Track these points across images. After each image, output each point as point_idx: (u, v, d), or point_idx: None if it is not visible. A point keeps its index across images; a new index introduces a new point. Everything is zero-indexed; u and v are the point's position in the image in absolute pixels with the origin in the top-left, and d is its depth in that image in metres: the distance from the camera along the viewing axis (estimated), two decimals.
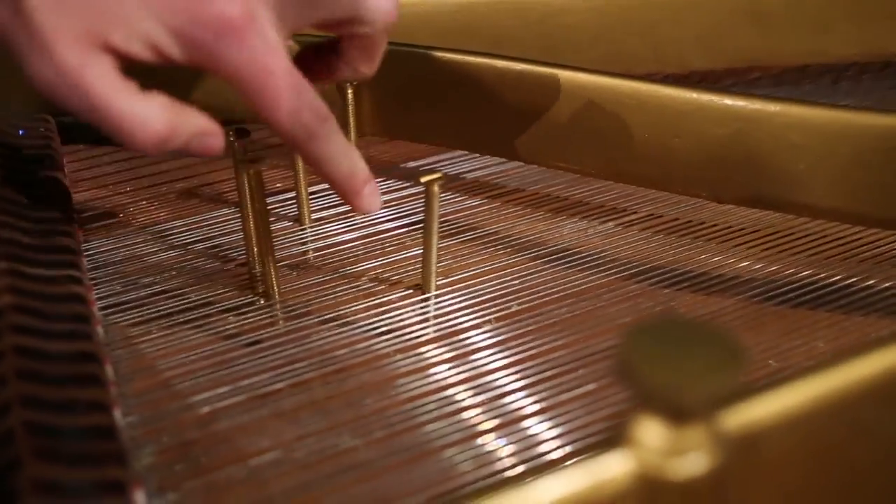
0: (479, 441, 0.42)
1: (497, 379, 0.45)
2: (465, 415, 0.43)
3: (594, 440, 0.41)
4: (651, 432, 0.26)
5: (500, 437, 0.42)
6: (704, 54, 0.70)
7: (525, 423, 0.43)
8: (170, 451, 0.41)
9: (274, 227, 0.55)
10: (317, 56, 0.47)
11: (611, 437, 0.27)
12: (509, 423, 0.43)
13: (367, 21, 0.43)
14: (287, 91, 0.41)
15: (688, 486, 0.26)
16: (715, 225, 0.57)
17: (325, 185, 0.60)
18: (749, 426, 0.27)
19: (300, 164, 0.55)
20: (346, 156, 0.44)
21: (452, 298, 0.51)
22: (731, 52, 0.70)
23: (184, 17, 0.39)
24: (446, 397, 0.44)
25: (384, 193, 0.59)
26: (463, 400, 0.44)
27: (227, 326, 0.48)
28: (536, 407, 0.44)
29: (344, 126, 0.55)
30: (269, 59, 0.40)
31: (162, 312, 0.49)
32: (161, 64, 0.41)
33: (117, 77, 0.40)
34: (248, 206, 0.49)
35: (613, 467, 0.26)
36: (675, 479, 0.26)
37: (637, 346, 0.25)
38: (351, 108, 0.59)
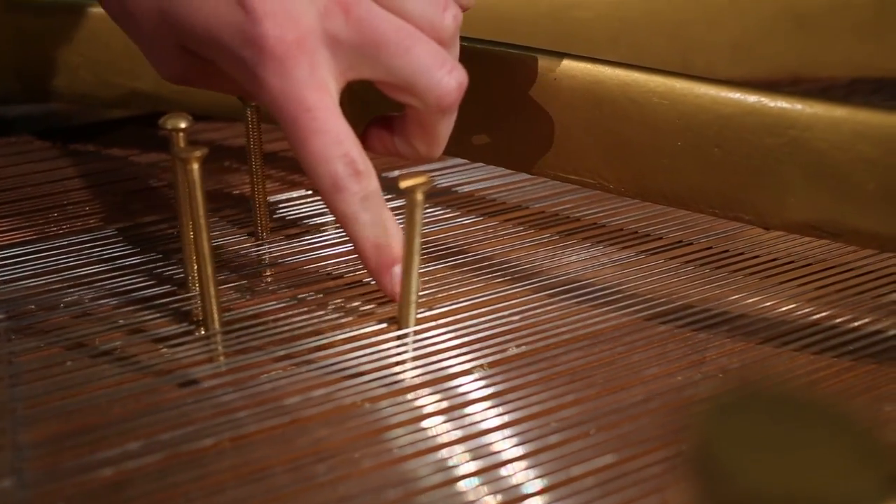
0: None
1: (491, 442, 0.36)
2: (449, 490, 0.33)
3: None
4: None
5: None
6: (739, 62, 0.61)
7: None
8: None
9: (223, 241, 0.47)
10: (382, 126, 0.44)
11: None
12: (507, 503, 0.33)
13: (418, 94, 0.40)
14: (320, 133, 0.38)
15: None
16: (756, 257, 0.47)
17: (288, 195, 0.51)
18: None
19: (256, 165, 0.45)
20: (377, 224, 0.40)
21: (437, 336, 0.41)
22: (768, 60, 0.62)
23: (231, 30, 0.37)
24: (426, 465, 0.35)
25: None
26: (447, 470, 0.34)
27: (153, 362, 0.39)
28: (539, 483, 0.34)
29: None
30: (307, 94, 0.38)
31: (77, 340, 0.40)
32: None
33: None
34: (186, 209, 0.40)
35: None
36: None
37: (721, 430, 0.16)
38: None
